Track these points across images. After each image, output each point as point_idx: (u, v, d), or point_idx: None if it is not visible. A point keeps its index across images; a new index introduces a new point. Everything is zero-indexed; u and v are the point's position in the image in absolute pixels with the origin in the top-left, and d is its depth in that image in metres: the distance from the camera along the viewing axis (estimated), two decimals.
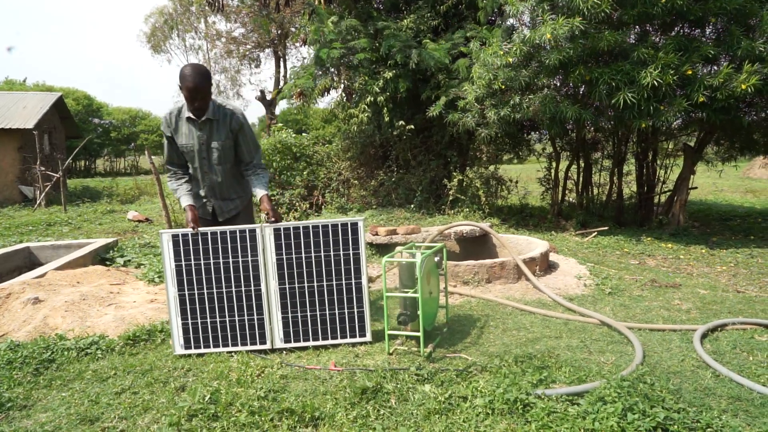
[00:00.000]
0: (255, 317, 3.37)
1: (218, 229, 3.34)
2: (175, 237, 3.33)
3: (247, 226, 3.35)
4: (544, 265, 5.07)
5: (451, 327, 3.70)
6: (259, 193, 3.42)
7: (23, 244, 6.28)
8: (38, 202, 13.81)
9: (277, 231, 3.34)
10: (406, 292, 3.25)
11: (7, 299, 4.17)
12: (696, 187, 8.85)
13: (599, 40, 6.14)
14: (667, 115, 6.21)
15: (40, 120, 15.59)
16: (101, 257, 5.99)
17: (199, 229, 3.33)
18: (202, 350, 3.31)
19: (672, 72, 5.87)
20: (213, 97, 3.38)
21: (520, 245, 5.65)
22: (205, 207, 3.60)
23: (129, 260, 6.03)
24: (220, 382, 2.85)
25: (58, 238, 8.48)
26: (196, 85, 3.18)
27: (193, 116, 3.32)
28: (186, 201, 3.39)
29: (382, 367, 2.97)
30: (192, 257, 3.33)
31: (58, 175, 13.79)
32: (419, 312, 3.09)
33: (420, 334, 3.10)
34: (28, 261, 6.17)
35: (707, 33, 7.15)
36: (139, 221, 10.56)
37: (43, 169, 14.22)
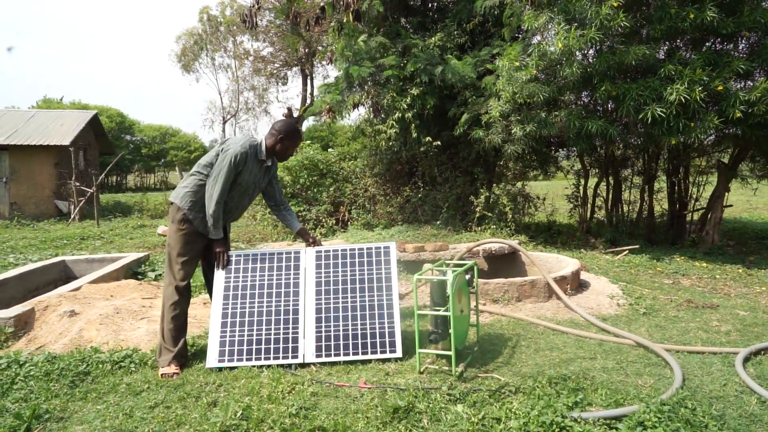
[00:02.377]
0: (290, 331, 3.43)
1: (267, 250, 3.74)
2: (228, 257, 3.70)
3: (291, 248, 3.75)
4: (575, 284, 4.98)
5: (482, 346, 3.64)
6: (297, 226, 3.93)
7: (59, 258, 6.45)
8: (72, 216, 14.19)
9: (318, 253, 3.73)
10: (438, 310, 3.22)
11: (45, 311, 4.27)
12: (731, 205, 8.61)
13: (626, 55, 6.08)
14: (698, 131, 6.09)
15: (76, 137, 16.08)
16: (133, 271, 6.11)
17: (251, 251, 3.78)
18: (235, 363, 3.34)
19: (700, 88, 5.77)
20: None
21: (550, 263, 5.56)
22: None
23: (160, 274, 6.13)
24: (251, 398, 2.86)
25: (91, 251, 8.68)
26: (301, 142, 3.76)
27: (264, 159, 3.60)
28: (221, 234, 3.56)
29: (413, 386, 2.93)
30: (240, 274, 3.65)
31: (92, 191, 14.16)
32: (451, 330, 3.06)
33: (452, 353, 3.06)
34: (63, 274, 6.32)
35: (740, 47, 7.03)
36: None
37: (77, 184, 14.64)
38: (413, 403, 2.73)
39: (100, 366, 3.36)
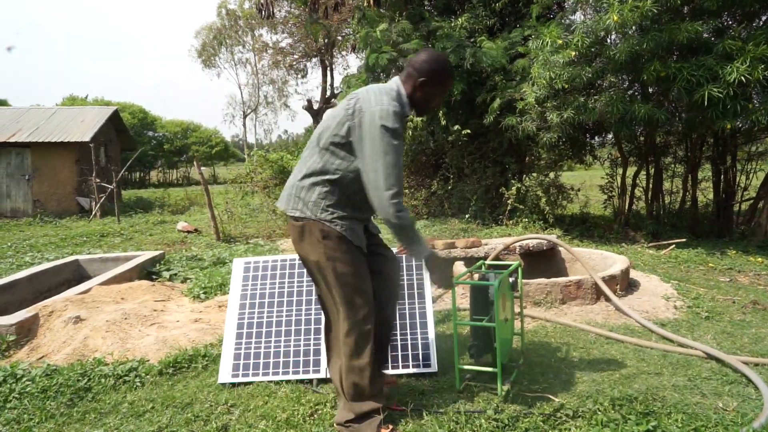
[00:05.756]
0: (312, 342, 3.05)
1: (288, 256, 3.38)
2: (247, 264, 3.42)
3: None
4: (625, 284, 4.50)
5: (528, 358, 3.21)
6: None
7: (72, 257, 6.20)
8: (94, 213, 14.10)
9: None
10: (479, 320, 2.80)
11: (50, 317, 3.99)
12: None
13: (677, 31, 5.54)
14: (758, 113, 5.53)
15: (96, 133, 15.99)
16: (147, 271, 5.82)
17: (270, 257, 3.41)
18: (251, 378, 2.98)
19: (762, 66, 5.22)
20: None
21: (594, 260, 5.09)
22: (361, 231, 2.46)
23: (175, 274, 5.83)
24: (267, 423, 2.49)
25: (109, 248, 8.47)
26: (451, 85, 2.61)
27: (414, 114, 2.52)
28: (426, 246, 2.42)
29: (453, 409, 2.53)
30: (259, 282, 3.32)
31: (112, 187, 14.04)
32: (496, 344, 2.64)
33: (497, 369, 2.64)
34: (77, 274, 6.08)
35: None
36: (188, 232, 10.52)
37: (98, 180, 14.55)
38: (455, 431, 2.34)
39: (103, 381, 3.03)
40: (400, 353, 2.99)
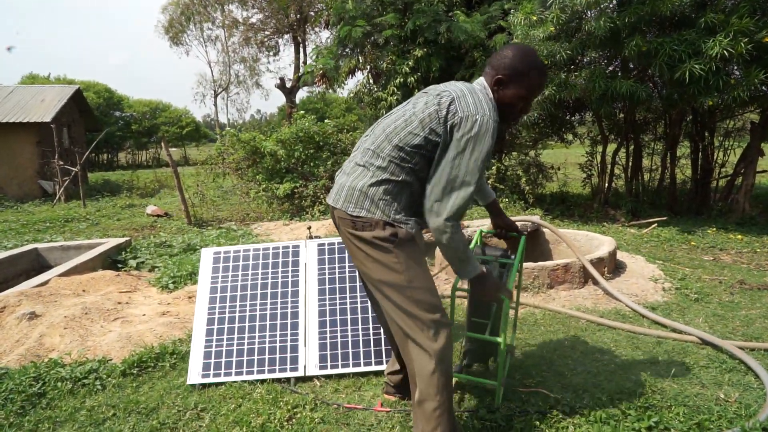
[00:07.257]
0: (289, 338, 2.84)
1: (261, 245, 3.18)
2: (216, 254, 3.19)
3: (290, 243, 3.18)
4: (612, 266, 4.38)
5: (519, 348, 3.05)
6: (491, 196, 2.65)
7: (31, 246, 5.82)
8: (57, 197, 13.50)
9: (320, 246, 3.18)
10: (480, 323, 2.53)
11: (1, 313, 3.67)
12: (766, 171, 7.97)
13: (659, 3, 5.38)
14: (740, 89, 5.43)
15: (58, 113, 15.25)
16: (112, 259, 5.49)
17: (241, 246, 3.21)
18: (223, 378, 2.75)
19: (746, 40, 5.10)
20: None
21: (579, 241, 4.96)
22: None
23: (142, 262, 5.52)
24: (241, 430, 2.27)
25: (73, 235, 8.06)
26: (542, 87, 2.06)
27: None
28: (477, 266, 2.02)
29: None
30: (230, 274, 3.08)
31: (76, 170, 13.43)
32: (498, 359, 2.42)
33: (497, 382, 2.37)
34: (36, 263, 5.72)
35: None
36: (158, 216, 10.12)
37: (61, 163, 13.89)
38: None
39: (59, 385, 2.76)
40: (384, 347, 2.80)
